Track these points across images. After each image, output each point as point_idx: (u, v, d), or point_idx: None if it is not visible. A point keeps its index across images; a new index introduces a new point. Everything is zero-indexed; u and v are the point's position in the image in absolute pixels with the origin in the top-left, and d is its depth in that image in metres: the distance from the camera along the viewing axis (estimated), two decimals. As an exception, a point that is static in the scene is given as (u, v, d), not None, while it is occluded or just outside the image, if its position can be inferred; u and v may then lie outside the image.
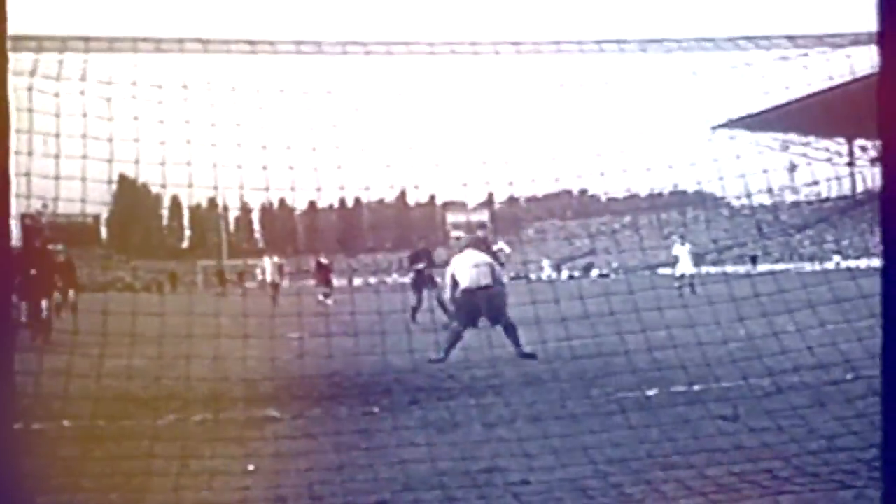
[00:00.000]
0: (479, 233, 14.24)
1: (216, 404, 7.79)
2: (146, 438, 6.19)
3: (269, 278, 30.41)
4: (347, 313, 8.31)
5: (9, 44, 3.39)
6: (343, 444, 6.18)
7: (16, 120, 4.20)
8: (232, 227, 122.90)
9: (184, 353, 6.87)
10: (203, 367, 8.00)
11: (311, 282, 34.52)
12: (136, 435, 6.55)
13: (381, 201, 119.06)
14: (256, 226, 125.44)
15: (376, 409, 7.73)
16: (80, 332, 7.28)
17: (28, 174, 5.31)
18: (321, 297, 27.85)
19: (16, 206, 4.62)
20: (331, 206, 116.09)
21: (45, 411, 6.53)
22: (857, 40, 7.12)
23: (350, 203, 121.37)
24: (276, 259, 31.98)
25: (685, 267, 29.12)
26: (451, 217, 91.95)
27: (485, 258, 11.79)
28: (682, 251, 29.69)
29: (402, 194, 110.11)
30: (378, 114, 6.69)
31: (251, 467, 5.62)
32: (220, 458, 5.84)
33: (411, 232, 79.78)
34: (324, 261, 33.58)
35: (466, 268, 11.56)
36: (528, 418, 7.03)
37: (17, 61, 5.08)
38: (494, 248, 13.84)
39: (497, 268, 11.89)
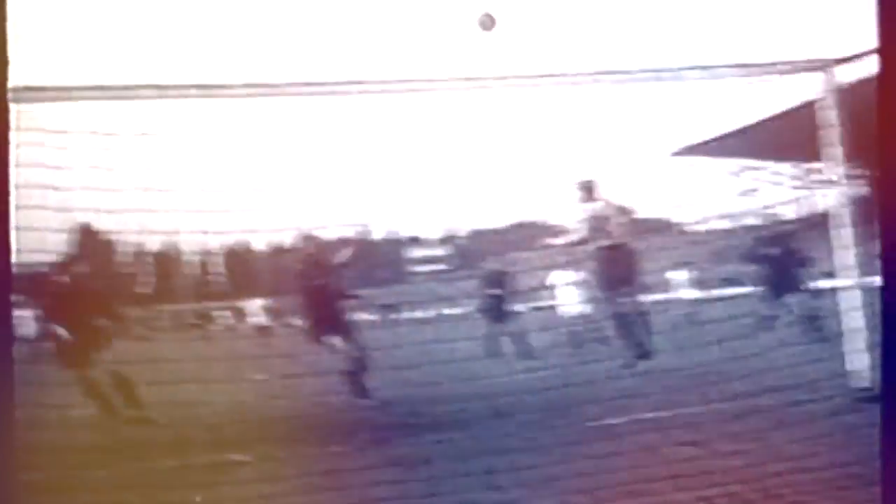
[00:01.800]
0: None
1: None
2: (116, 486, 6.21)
3: (256, 320, 29.63)
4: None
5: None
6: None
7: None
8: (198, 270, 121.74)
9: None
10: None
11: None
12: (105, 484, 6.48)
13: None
14: (221, 269, 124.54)
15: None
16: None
17: None
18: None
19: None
20: (290, 247, 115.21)
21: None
22: (807, 66, 7.31)
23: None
24: (262, 301, 31.16)
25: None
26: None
27: None
28: None
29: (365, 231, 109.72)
30: (331, 153, 6.76)
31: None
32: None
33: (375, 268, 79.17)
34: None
35: None
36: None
37: None
38: None
39: None
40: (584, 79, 7.12)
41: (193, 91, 5.92)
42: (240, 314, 30.86)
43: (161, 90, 5.94)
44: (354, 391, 10.23)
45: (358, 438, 8.15)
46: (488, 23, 8.06)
